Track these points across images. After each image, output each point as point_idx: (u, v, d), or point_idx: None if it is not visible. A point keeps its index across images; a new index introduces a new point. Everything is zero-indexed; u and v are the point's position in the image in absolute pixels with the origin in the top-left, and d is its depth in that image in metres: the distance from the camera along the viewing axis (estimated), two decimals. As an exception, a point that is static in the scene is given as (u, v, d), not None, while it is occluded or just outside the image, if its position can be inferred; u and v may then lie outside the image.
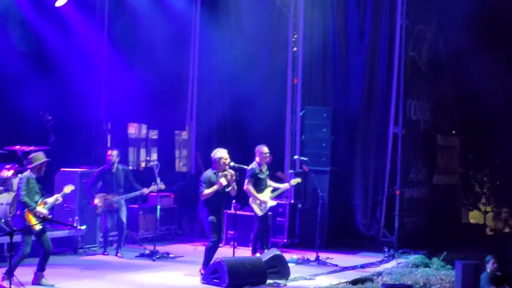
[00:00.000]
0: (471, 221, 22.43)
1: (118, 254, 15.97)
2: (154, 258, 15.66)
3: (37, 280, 12.86)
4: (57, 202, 13.37)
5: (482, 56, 18.49)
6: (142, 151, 24.17)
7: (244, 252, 15.84)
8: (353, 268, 15.57)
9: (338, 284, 13.81)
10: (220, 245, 16.51)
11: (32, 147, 15.30)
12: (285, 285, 13.62)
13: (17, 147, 15.60)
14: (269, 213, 16.03)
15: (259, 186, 15.67)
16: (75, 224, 15.75)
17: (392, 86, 18.19)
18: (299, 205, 18.07)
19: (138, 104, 19.70)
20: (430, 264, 15.71)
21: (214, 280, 13.18)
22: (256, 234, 15.74)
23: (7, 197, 14.98)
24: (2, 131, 17.05)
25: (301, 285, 13.87)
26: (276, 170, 16.78)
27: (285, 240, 17.55)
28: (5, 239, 14.02)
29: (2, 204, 14.90)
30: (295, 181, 16.50)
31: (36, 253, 12.96)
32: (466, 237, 19.33)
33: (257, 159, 15.72)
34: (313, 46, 19.00)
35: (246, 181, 15.54)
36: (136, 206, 17.34)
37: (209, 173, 13.97)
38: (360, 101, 18.64)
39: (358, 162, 18.58)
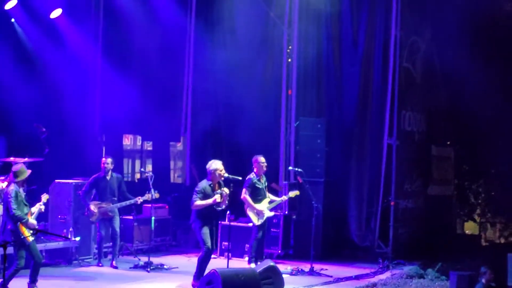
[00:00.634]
0: (466, 232, 22.44)
1: (114, 263, 15.96)
2: (149, 269, 15.65)
3: (30, 292, 12.87)
4: (41, 211, 13.36)
5: (477, 67, 18.52)
6: (137, 163, 24.17)
7: (238, 263, 15.84)
8: (348, 279, 15.55)
9: (332, 295, 13.85)
10: (214, 256, 16.65)
11: (26, 159, 15.30)
12: (279, 296, 13.61)
13: (11, 158, 15.58)
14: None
15: (257, 196, 15.73)
16: (69, 236, 15.74)
17: (386, 97, 18.17)
18: (294, 216, 18.06)
19: (133, 115, 19.73)
20: (424, 275, 15.73)
21: (208, 291, 13.18)
22: (253, 244, 15.76)
23: (1, 209, 14.94)
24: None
25: (295, 296, 13.90)
26: (270, 181, 16.77)
27: (279, 251, 17.54)
28: (-1, 251, 13.99)
29: (-1, 216, 14.90)
30: (294, 193, 16.54)
31: (26, 265, 12.95)
32: (461, 248, 19.31)
33: (255, 169, 15.81)
34: (307, 57, 19.02)
35: (243, 190, 15.63)
36: (131, 217, 17.35)
37: (204, 184, 13.99)
38: (355, 112, 18.63)
39: (353, 173, 18.56)
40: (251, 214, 15.68)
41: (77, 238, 15.87)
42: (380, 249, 17.90)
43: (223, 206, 14.06)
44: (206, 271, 13.53)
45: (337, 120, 18.68)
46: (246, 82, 19.29)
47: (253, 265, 15.09)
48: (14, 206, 12.61)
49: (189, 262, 16.77)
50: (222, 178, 14.11)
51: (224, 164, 14.21)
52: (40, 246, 14.24)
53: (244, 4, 19.30)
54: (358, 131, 18.56)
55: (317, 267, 16.03)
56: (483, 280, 13.14)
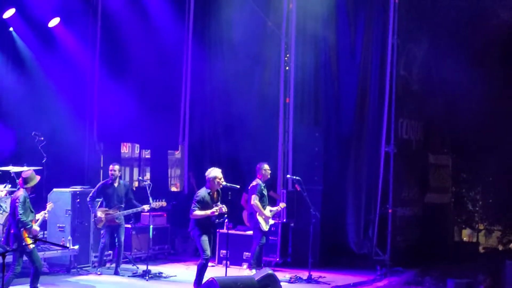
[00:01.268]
0: (464, 239, 22.47)
1: (118, 270, 16.00)
2: (147, 277, 15.65)
3: (30, 300, 12.91)
4: (45, 219, 13.41)
5: (473, 75, 18.58)
6: (135, 171, 24.20)
7: (236, 271, 15.86)
8: (346, 286, 15.58)
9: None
10: (213, 264, 16.69)
11: (24, 167, 15.32)
12: (278, 304, 13.63)
13: (10, 167, 15.61)
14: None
15: (263, 202, 15.84)
16: (67, 244, 15.75)
17: (384, 105, 18.21)
18: (292, 224, 18.09)
19: (131, 123, 19.77)
20: (422, 283, 15.73)
21: (207, 299, 13.19)
22: (256, 250, 15.77)
23: (1, 218, 14.99)
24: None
25: (293, 304, 13.92)
26: (268, 189, 16.80)
27: (277, 259, 17.56)
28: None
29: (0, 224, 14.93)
30: (283, 205, 16.83)
31: (25, 273, 12.98)
32: (459, 256, 19.38)
33: (259, 176, 15.95)
34: (305, 66, 19.05)
35: (253, 196, 15.72)
36: (129, 225, 17.36)
37: (203, 192, 14.02)
38: (352, 120, 18.66)
39: (350, 181, 18.59)
40: (261, 220, 15.74)
41: (76, 247, 15.89)
42: (378, 256, 17.91)
43: (221, 220, 14.11)
44: (204, 279, 13.55)
45: (334, 128, 18.72)
46: (243, 91, 19.36)
47: (253, 271, 15.12)
48: (21, 211, 12.70)
49: (187, 270, 16.78)
50: (221, 186, 14.16)
51: (222, 172, 14.26)
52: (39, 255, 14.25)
53: (242, 13, 19.33)
54: (355, 139, 18.59)
55: (315, 274, 16.05)
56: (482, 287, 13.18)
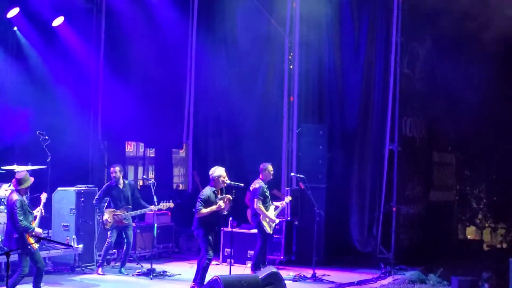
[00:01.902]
0: (468, 237, 22.45)
1: (122, 269, 16.03)
2: (151, 276, 15.65)
3: (34, 299, 12.92)
4: (42, 214, 13.38)
5: (476, 72, 18.56)
6: (140, 170, 24.21)
7: (241, 270, 15.86)
8: (350, 285, 15.58)
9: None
10: (217, 262, 16.72)
11: (29, 167, 15.34)
12: (282, 302, 13.64)
13: (15, 166, 15.61)
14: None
15: (266, 203, 15.72)
16: (72, 243, 15.77)
17: (388, 103, 18.22)
18: (296, 222, 18.08)
19: (135, 122, 19.77)
20: (426, 280, 15.73)
21: (211, 298, 13.21)
22: (259, 252, 15.74)
23: (5, 217, 14.97)
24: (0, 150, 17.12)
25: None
26: (272, 187, 16.80)
27: (281, 257, 17.56)
28: (2, 258, 14.05)
29: (0, 223, 14.92)
30: (288, 198, 16.66)
31: (30, 272, 13.00)
32: (463, 253, 19.36)
33: (261, 176, 15.77)
34: (309, 64, 19.06)
35: (255, 200, 15.53)
36: (133, 224, 17.37)
37: (208, 191, 14.05)
38: (356, 118, 18.68)
39: (355, 179, 18.60)
40: (264, 223, 15.58)
41: (80, 246, 15.91)
42: (382, 254, 17.92)
43: (226, 212, 14.15)
44: (208, 278, 13.56)
45: (338, 126, 18.73)
46: (248, 89, 19.37)
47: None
48: (20, 217, 12.57)
49: (191, 269, 16.70)
50: (225, 185, 14.17)
51: (226, 171, 14.28)
52: (43, 254, 14.27)
53: (246, 11, 19.35)
54: (359, 137, 18.61)
55: (319, 273, 16.05)
56: (486, 285, 13.15)
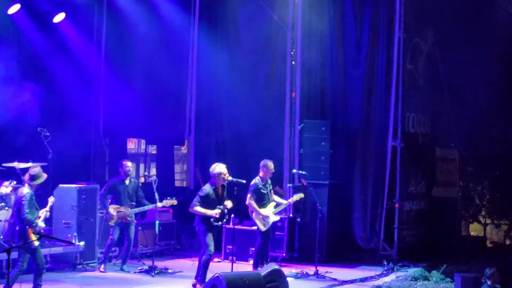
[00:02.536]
0: (471, 233, 22.41)
1: (124, 266, 15.98)
2: (153, 273, 15.61)
3: (34, 297, 12.88)
4: (46, 216, 13.36)
5: (479, 68, 18.51)
6: (141, 166, 24.17)
7: (243, 267, 15.81)
8: (352, 282, 15.55)
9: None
10: (219, 259, 16.68)
11: (30, 163, 15.29)
12: (284, 299, 13.59)
13: (15, 163, 15.57)
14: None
15: (262, 201, 15.59)
16: (73, 240, 15.73)
17: (390, 99, 18.19)
18: (298, 219, 18.03)
19: (137, 119, 19.74)
20: (429, 277, 15.70)
21: (213, 295, 13.15)
22: (258, 249, 15.67)
23: (5, 214, 14.93)
24: (0, 147, 17.05)
25: (300, 299, 13.88)
26: (274, 184, 16.76)
27: (284, 254, 17.51)
28: (3, 255, 13.99)
29: (1, 220, 14.88)
30: (299, 196, 16.41)
31: (30, 269, 12.96)
32: (466, 250, 19.32)
33: (261, 173, 15.67)
34: (311, 60, 19.01)
35: (248, 195, 15.50)
36: (135, 221, 17.32)
37: (208, 189, 14.01)
38: (359, 114, 18.63)
39: (357, 175, 18.56)
40: (257, 221, 15.52)
41: (82, 243, 15.88)
42: (385, 251, 17.89)
43: (220, 223, 14.08)
44: (210, 275, 13.51)
45: (341, 123, 18.67)
46: (249, 85, 19.32)
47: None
48: (26, 210, 12.61)
49: (193, 266, 16.68)
50: (226, 182, 14.11)
51: (228, 167, 14.23)
52: (44, 251, 14.26)
53: (248, 7, 19.33)
54: (362, 133, 18.56)
55: (322, 270, 16.01)
56: (489, 282, 13.08)
